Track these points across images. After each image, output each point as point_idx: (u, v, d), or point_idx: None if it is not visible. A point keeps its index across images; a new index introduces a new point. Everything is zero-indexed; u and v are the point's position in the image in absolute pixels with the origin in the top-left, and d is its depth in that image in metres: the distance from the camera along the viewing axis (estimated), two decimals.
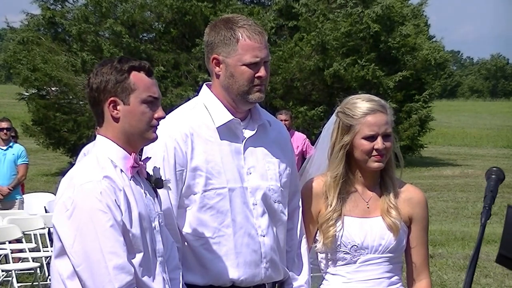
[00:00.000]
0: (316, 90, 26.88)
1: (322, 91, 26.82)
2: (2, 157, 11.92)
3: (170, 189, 3.49)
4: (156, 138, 3.27)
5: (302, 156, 12.10)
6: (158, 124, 3.25)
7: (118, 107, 3.21)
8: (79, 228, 3.09)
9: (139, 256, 3.17)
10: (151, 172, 3.36)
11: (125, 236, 3.13)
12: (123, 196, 3.14)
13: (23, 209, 11.82)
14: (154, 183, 3.34)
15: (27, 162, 12.24)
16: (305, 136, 12.93)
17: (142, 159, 3.33)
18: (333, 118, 3.81)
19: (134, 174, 3.24)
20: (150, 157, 3.38)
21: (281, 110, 13.58)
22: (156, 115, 3.23)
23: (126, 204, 3.14)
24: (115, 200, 3.12)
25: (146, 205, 3.24)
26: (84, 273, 3.09)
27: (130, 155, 3.23)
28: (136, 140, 3.24)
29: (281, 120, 12.54)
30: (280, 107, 22.43)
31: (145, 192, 3.27)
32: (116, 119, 3.22)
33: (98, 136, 3.28)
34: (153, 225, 3.26)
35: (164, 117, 3.28)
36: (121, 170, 3.20)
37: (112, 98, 3.20)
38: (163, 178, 3.39)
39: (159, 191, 3.40)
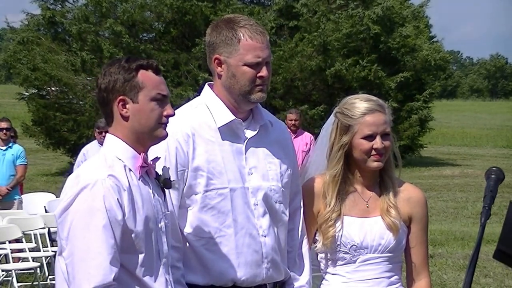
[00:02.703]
0: (317, 90, 26.90)
1: (322, 91, 26.84)
2: (1, 157, 11.93)
3: (178, 189, 3.49)
4: (166, 136, 3.27)
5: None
6: (167, 122, 3.25)
7: (127, 106, 3.21)
8: (72, 222, 3.10)
9: (140, 257, 3.17)
10: (160, 172, 3.36)
11: (126, 236, 3.13)
12: (127, 195, 3.14)
13: (21, 209, 11.82)
14: (163, 183, 3.34)
15: (26, 163, 12.25)
16: (312, 136, 12.93)
17: (151, 159, 3.33)
18: (332, 118, 3.82)
19: (142, 174, 3.24)
20: (159, 157, 3.38)
21: (291, 109, 13.54)
22: (165, 113, 3.23)
23: (130, 204, 3.14)
24: (118, 199, 3.12)
25: (153, 205, 3.24)
26: (69, 267, 3.11)
27: (139, 154, 3.24)
28: (146, 139, 3.25)
29: (291, 120, 12.56)
30: (280, 107, 22.48)
31: (153, 193, 3.27)
32: (126, 118, 3.22)
33: (107, 135, 3.29)
34: (160, 225, 3.26)
35: (173, 115, 3.28)
36: (130, 170, 3.21)
37: (121, 97, 3.21)
38: (171, 179, 3.39)
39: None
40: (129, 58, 3.27)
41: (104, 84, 3.23)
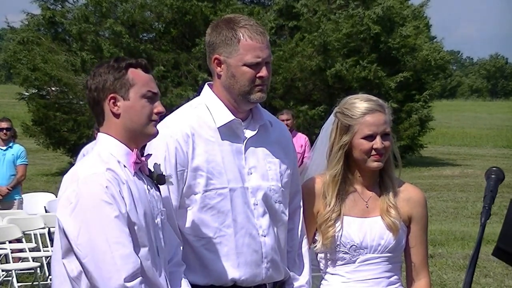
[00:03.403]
0: (317, 90, 26.91)
1: (323, 91, 26.85)
2: (1, 157, 11.93)
3: (172, 184, 3.49)
4: (157, 133, 3.29)
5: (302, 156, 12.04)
6: (158, 119, 3.27)
7: (118, 103, 3.23)
8: (84, 219, 3.10)
9: (144, 250, 3.18)
10: (152, 169, 3.37)
11: (130, 228, 3.14)
12: (127, 189, 3.16)
13: (22, 209, 11.82)
14: (156, 179, 3.35)
15: (26, 163, 12.25)
16: (306, 137, 12.88)
17: (143, 156, 3.34)
18: (332, 118, 3.82)
19: (136, 170, 3.25)
20: (151, 154, 3.38)
21: (283, 110, 13.50)
22: (155, 110, 3.26)
23: (130, 197, 3.16)
24: (120, 191, 3.13)
25: (149, 201, 3.26)
26: (91, 264, 3.09)
27: (132, 151, 3.24)
28: (138, 136, 3.26)
29: (282, 120, 12.52)
30: (280, 107, 22.46)
31: (148, 189, 3.28)
32: (117, 115, 3.24)
33: (99, 134, 3.30)
34: (156, 221, 3.27)
35: (163, 112, 3.29)
36: (124, 166, 3.22)
37: (112, 95, 3.23)
38: (164, 174, 3.40)
39: (161, 189, 3.41)
40: (118, 58, 3.30)
41: (94, 84, 3.25)
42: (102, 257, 3.07)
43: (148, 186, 3.30)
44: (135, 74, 3.25)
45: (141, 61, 3.28)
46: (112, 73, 3.23)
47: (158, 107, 3.26)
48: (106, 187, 3.11)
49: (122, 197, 3.13)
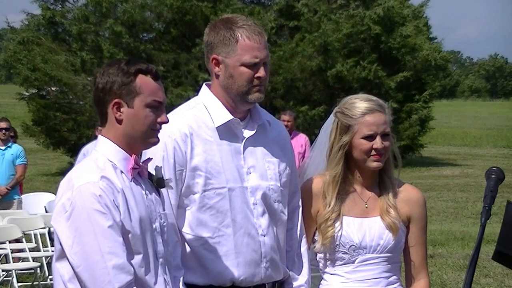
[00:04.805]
0: (317, 90, 26.91)
1: (323, 91, 26.85)
2: (0, 157, 11.94)
3: (172, 188, 3.49)
4: (157, 141, 3.27)
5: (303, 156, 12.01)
6: (160, 128, 3.25)
7: (122, 109, 3.20)
8: (77, 229, 3.09)
9: (138, 257, 3.17)
10: (153, 172, 3.35)
11: (124, 236, 3.13)
12: (121, 197, 3.14)
13: (21, 209, 11.83)
14: (156, 182, 3.34)
15: (25, 163, 12.26)
16: (306, 137, 12.85)
17: (143, 160, 3.32)
18: (331, 118, 3.82)
19: (135, 176, 3.23)
20: (152, 158, 3.37)
21: (285, 111, 13.49)
22: (159, 120, 3.23)
23: (125, 205, 3.14)
24: (113, 200, 3.12)
25: (146, 206, 3.24)
26: (84, 273, 3.09)
27: (131, 156, 3.23)
28: (138, 144, 3.24)
29: (284, 121, 12.48)
30: (280, 107, 22.47)
31: (146, 193, 3.27)
32: (119, 121, 3.21)
33: (99, 137, 3.29)
34: (154, 226, 3.25)
35: (167, 122, 3.27)
36: (121, 172, 3.20)
37: (116, 100, 3.19)
38: (164, 177, 3.39)
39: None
40: (129, 60, 3.24)
41: (101, 84, 3.22)
42: (96, 267, 3.07)
43: (147, 191, 3.28)
44: (143, 82, 3.20)
45: (152, 67, 3.24)
46: (120, 76, 3.19)
47: (162, 116, 3.23)
48: (100, 196, 3.09)
49: (117, 206, 3.12)
